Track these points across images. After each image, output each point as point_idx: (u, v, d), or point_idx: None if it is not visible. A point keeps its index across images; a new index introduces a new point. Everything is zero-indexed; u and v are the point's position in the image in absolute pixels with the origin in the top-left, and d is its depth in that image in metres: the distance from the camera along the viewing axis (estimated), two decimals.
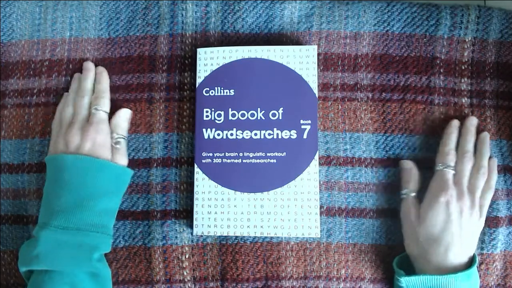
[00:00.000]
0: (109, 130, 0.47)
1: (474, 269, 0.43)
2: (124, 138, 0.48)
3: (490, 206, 0.48)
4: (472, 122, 0.48)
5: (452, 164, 0.46)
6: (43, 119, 0.50)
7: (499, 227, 0.48)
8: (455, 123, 0.48)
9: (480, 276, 0.47)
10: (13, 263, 0.49)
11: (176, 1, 0.52)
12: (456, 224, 0.43)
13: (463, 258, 0.44)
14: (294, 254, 0.48)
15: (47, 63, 0.51)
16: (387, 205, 0.49)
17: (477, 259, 0.45)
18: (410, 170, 0.47)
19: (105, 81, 0.50)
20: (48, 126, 0.50)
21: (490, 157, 0.48)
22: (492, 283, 0.47)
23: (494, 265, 0.47)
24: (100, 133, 0.45)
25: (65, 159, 0.44)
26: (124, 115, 0.49)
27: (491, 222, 0.48)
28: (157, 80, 0.51)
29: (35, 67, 0.51)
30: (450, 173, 0.46)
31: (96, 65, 0.51)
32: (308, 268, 0.48)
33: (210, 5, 0.51)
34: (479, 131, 0.49)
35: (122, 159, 0.47)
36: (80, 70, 0.51)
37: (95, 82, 0.50)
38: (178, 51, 0.51)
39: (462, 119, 0.49)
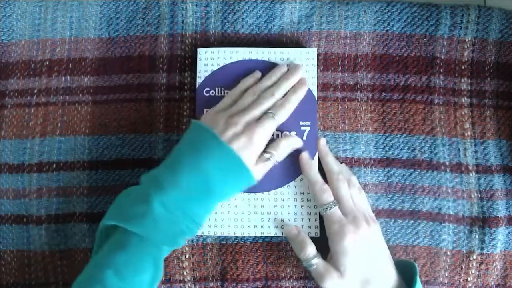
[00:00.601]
0: (267, 139, 0.44)
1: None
2: (274, 161, 0.44)
3: (490, 206, 0.48)
4: (322, 143, 0.48)
5: (330, 198, 0.44)
6: (43, 119, 0.50)
7: (499, 227, 0.48)
8: (304, 155, 0.46)
9: (480, 276, 0.47)
10: (13, 263, 0.49)
11: (176, 1, 0.52)
12: (372, 250, 0.43)
13: (394, 280, 0.43)
14: (294, 254, 0.48)
15: (47, 63, 0.51)
16: (387, 205, 0.49)
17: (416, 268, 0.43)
18: (298, 237, 0.45)
19: (299, 94, 0.46)
20: (48, 126, 0.50)
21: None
22: (492, 283, 0.47)
23: (494, 265, 0.47)
24: (260, 139, 0.42)
25: (216, 143, 0.41)
26: (292, 144, 0.46)
27: (491, 222, 0.48)
28: (157, 80, 0.51)
29: (35, 67, 0.51)
30: (335, 211, 0.43)
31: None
32: None
33: (210, 5, 0.51)
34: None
35: (259, 173, 0.43)
36: (80, 70, 0.51)
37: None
38: (178, 51, 0.51)
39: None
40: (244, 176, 0.41)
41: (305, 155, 0.46)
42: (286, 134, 0.46)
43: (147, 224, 0.39)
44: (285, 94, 0.46)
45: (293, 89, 0.46)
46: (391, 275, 0.43)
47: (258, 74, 0.48)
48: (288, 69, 0.47)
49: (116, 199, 0.42)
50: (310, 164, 0.46)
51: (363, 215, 0.44)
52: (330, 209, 0.44)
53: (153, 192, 0.39)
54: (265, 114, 0.44)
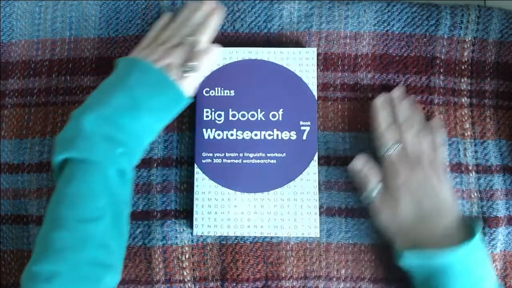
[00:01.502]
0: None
1: (476, 240, 0.41)
2: (196, 71, 0.44)
3: (490, 206, 0.48)
4: (396, 93, 0.48)
5: (391, 142, 0.45)
6: (43, 119, 0.50)
7: (499, 227, 0.48)
8: (377, 101, 0.48)
9: None
10: (13, 263, 0.49)
11: (176, 1, 0.51)
12: (425, 198, 0.44)
13: (451, 224, 0.43)
14: (294, 254, 0.48)
15: (47, 63, 0.51)
16: None
17: (479, 226, 0.43)
18: (362, 169, 0.47)
19: (215, 18, 0.46)
20: (48, 126, 0.50)
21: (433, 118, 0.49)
22: None
23: (493, 265, 0.47)
24: (181, 55, 0.43)
25: (138, 63, 0.42)
26: (212, 54, 0.46)
27: (491, 222, 0.48)
28: None
29: (35, 67, 0.51)
30: (393, 153, 0.45)
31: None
32: (308, 268, 0.48)
33: None
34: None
35: (186, 85, 0.44)
36: (80, 70, 0.51)
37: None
38: None
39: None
40: (169, 88, 0.42)
41: (378, 100, 0.48)
42: (207, 46, 0.46)
43: (80, 145, 0.39)
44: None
45: (209, 15, 0.46)
46: (448, 218, 0.43)
47: (169, 14, 0.49)
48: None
49: (56, 139, 0.41)
50: (379, 109, 0.47)
51: (420, 161, 0.45)
52: (388, 151, 0.45)
53: (80, 114, 0.40)
54: (194, 42, 0.44)
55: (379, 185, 0.45)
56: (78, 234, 0.37)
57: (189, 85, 0.44)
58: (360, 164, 0.47)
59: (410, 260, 0.43)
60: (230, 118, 0.48)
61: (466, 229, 0.43)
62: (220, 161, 0.47)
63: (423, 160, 0.45)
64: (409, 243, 0.43)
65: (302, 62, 0.48)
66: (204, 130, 0.48)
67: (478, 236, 0.42)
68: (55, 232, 0.37)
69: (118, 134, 0.40)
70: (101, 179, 0.39)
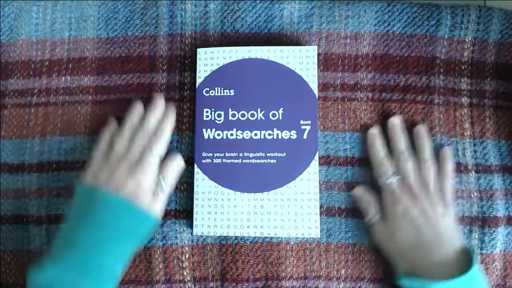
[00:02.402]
0: (155, 177, 0.44)
1: (473, 271, 0.41)
2: (167, 191, 0.45)
3: (490, 206, 0.48)
4: (394, 122, 0.48)
5: (391, 171, 0.46)
6: (43, 119, 0.50)
7: (498, 227, 0.48)
8: (373, 131, 0.48)
9: None
10: (13, 263, 0.49)
11: (175, 1, 0.51)
12: (425, 227, 0.43)
13: (450, 255, 0.42)
14: (294, 254, 0.48)
15: (47, 63, 0.51)
16: None
17: (476, 257, 0.44)
18: (363, 197, 0.47)
19: (170, 122, 0.47)
20: (48, 126, 0.50)
21: (442, 147, 0.48)
22: (492, 283, 0.48)
23: (493, 265, 0.48)
24: (148, 178, 0.43)
25: (105, 197, 0.42)
26: (177, 167, 0.47)
27: (490, 222, 0.48)
28: (157, 80, 0.51)
29: (35, 67, 0.51)
30: (394, 182, 0.45)
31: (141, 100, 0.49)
32: (308, 268, 0.48)
33: (209, 5, 0.51)
34: (413, 126, 0.49)
35: (158, 207, 0.44)
36: (80, 69, 0.51)
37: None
38: (178, 51, 0.51)
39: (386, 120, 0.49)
40: (139, 216, 0.42)
41: (373, 130, 0.48)
42: (174, 158, 0.47)
43: None
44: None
45: (163, 119, 0.47)
46: (448, 248, 0.43)
47: (114, 122, 0.48)
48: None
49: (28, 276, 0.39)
50: (376, 138, 0.48)
51: (427, 193, 0.44)
52: (388, 180, 0.45)
53: (50, 263, 0.39)
54: (143, 152, 0.44)
55: (377, 215, 0.46)
56: None
57: (160, 205, 0.45)
58: (361, 192, 0.47)
59: (407, 284, 0.43)
60: (230, 118, 0.48)
61: (465, 258, 0.43)
62: (220, 161, 0.47)
63: (428, 189, 0.45)
64: (408, 268, 0.44)
65: (302, 61, 0.48)
66: (204, 130, 0.48)
67: (476, 267, 0.41)
68: None
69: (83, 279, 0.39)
70: None
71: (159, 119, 0.47)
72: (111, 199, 0.42)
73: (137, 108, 0.48)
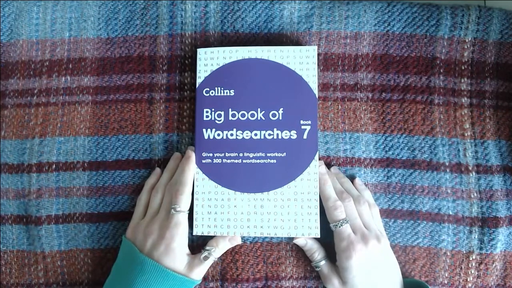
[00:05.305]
0: (185, 233, 0.45)
1: None
2: (213, 258, 0.46)
3: (490, 206, 0.48)
4: (321, 171, 0.47)
5: (342, 216, 0.45)
6: (43, 119, 0.50)
7: (499, 227, 0.48)
8: (321, 173, 0.47)
9: (479, 276, 0.47)
10: (13, 263, 0.49)
11: (175, 1, 0.51)
12: (379, 266, 0.43)
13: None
14: (294, 254, 0.48)
15: (47, 63, 0.51)
16: (386, 205, 0.49)
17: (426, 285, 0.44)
18: (306, 246, 0.47)
19: (189, 172, 0.46)
20: (48, 126, 0.50)
21: (354, 179, 0.49)
22: (492, 283, 0.48)
23: (493, 265, 0.48)
24: (175, 238, 0.43)
25: (139, 258, 0.43)
26: (228, 244, 0.47)
27: (491, 222, 0.48)
28: (157, 80, 0.51)
29: (35, 67, 0.51)
30: (345, 228, 0.44)
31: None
32: (308, 268, 0.48)
33: (209, 5, 0.51)
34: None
35: (198, 274, 0.45)
36: (80, 70, 0.51)
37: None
38: (178, 51, 0.51)
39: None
40: (172, 279, 0.43)
41: (322, 170, 0.47)
42: (225, 236, 0.47)
43: None
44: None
45: (181, 168, 0.47)
46: (394, 284, 0.43)
47: (157, 170, 0.49)
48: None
49: None
50: (325, 179, 0.46)
51: (373, 232, 0.44)
52: (340, 226, 0.44)
53: None
54: (170, 210, 0.45)
55: (322, 261, 0.46)
56: None
57: (203, 270, 0.45)
58: (302, 241, 0.46)
59: None
60: (230, 118, 0.48)
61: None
62: (220, 161, 0.47)
63: (373, 231, 0.45)
64: None
65: (302, 61, 0.48)
66: (204, 130, 0.48)
67: None
68: None
69: None
70: None
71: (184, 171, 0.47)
72: (143, 261, 0.43)
73: (173, 162, 0.48)
